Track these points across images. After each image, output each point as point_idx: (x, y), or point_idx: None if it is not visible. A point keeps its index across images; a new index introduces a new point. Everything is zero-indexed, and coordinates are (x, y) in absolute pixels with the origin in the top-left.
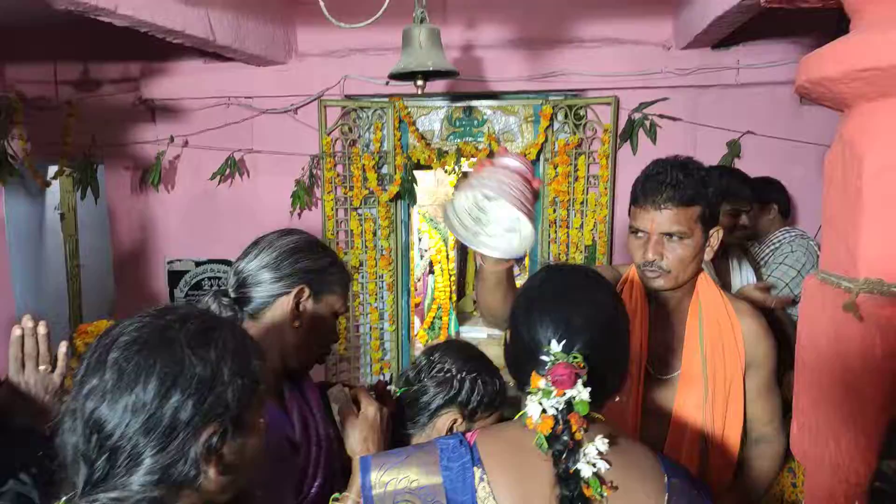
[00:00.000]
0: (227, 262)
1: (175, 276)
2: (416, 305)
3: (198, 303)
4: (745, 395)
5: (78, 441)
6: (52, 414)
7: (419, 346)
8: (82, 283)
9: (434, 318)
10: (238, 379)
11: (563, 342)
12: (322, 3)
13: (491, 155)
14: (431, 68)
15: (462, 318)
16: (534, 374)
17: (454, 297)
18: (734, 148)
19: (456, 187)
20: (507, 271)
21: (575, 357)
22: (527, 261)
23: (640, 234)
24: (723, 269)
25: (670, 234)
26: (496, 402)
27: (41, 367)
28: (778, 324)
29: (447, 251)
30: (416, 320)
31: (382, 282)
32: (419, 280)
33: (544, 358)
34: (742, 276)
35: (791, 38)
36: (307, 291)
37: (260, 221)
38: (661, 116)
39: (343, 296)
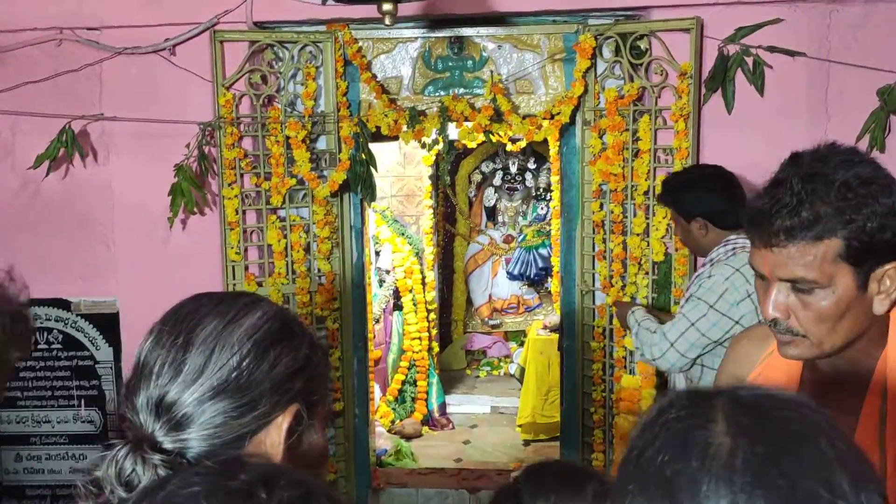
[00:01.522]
0: (63, 304)
1: None
2: (375, 363)
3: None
4: None
5: None
6: None
7: (383, 434)
8: None
9: (404, 382)
10: None
11: None
12: None
13: (498, 117)
14: None
15: (449, 380)
16: None
17: (436, 347)
18: (890, 98)
19: None
20: None
21: None
22: (554, 284)
23: (761, 276)
24: None
25: (793, 283)
26: None
27: None
28: None
29: (422, 271)
30: (376, 388)
31: (322, 328)
32: (378, 321)
33: None
34: None
35: None
36: (302, 411)
37: (119, 235)
38: (771, 50)
39: (329, 390)
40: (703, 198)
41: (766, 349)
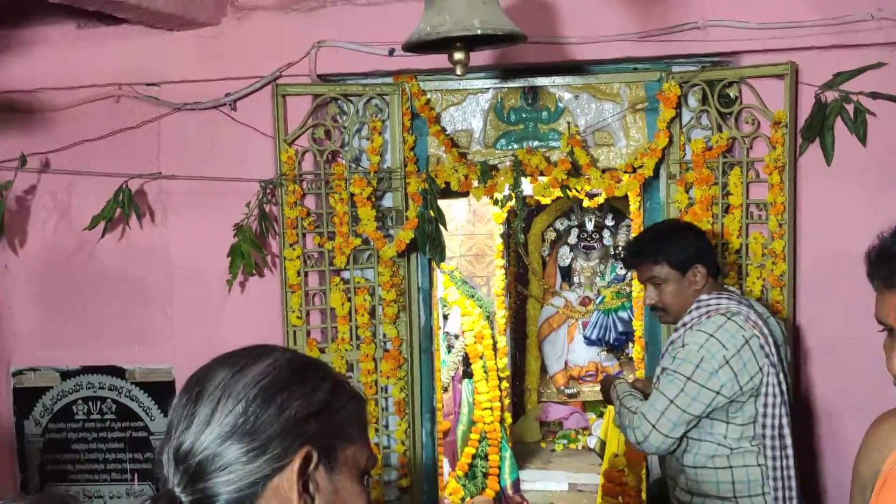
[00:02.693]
0: (117, 372)
1: (27, 397)
2: (444, 435)
3: None
4: None
5: None
6: None
7: None
8: None
9: (475, 456)
10: None
11: None
12: None
13: (576, 171)
14: (480, 31)
15: (523, 454)
16: None
17: (508, 418)
18: None
19: None
20: None
21: None
22: (636, 350)
23: (889, 330)
24: None
25: None
26: None
27: None
28: None
29: (493, 336)
30: (445, 462)
31: (387, 398)
32: (447, 389)
33: None
34: None
35: None
36: (315, 456)
37: (175, 298)
38: (873, 96)
39: (366, 439)
40: (694, 242)
41: None
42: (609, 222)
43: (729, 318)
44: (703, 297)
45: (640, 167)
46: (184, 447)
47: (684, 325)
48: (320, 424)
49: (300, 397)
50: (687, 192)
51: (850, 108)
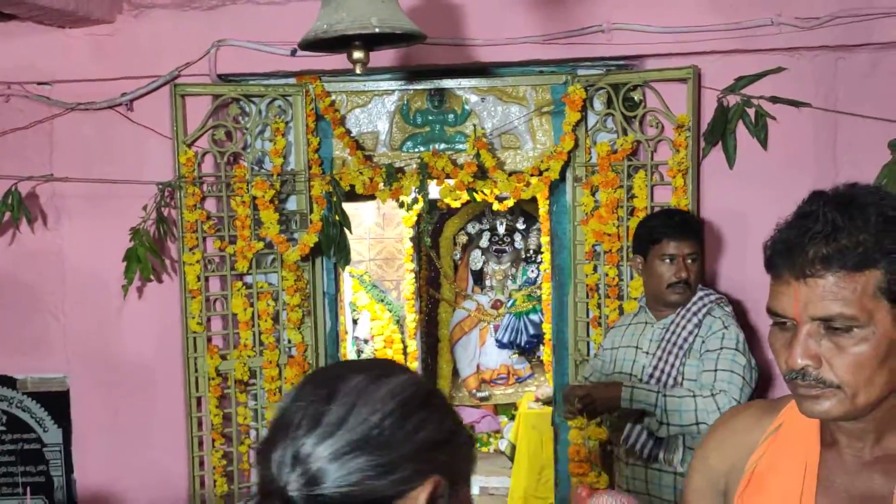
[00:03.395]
0: (7, 381)
1: None
2: None
3: None
4: None
5: None
6: None
7: None
8: None
9: None
10: None
11: None
12: None
13: (482, 174)
14: (378, 30)
15: None
16: None
17: None
18: None
19: None
20: None
21: None
22: (546, 353)
23: (780, 324)
24: None
25: (829, 322)
26: None
27: None
28: None
29: (403, 340)
30: None
31: None
32: None
33: None
34: None
35: None
36: (442, 488)
37: (69, 305)
38: (774, 100)
39: (471, 482)
40: None
41: (768, 427)
42: (520, 225)
43: (726, 308)
44: (701, 285)
45: (547, 170)
46: (305, 449)
47: (700, 309)
48: (448, 455)
49: (434, 422)
50: (593, 195)
51: (751, 112)
